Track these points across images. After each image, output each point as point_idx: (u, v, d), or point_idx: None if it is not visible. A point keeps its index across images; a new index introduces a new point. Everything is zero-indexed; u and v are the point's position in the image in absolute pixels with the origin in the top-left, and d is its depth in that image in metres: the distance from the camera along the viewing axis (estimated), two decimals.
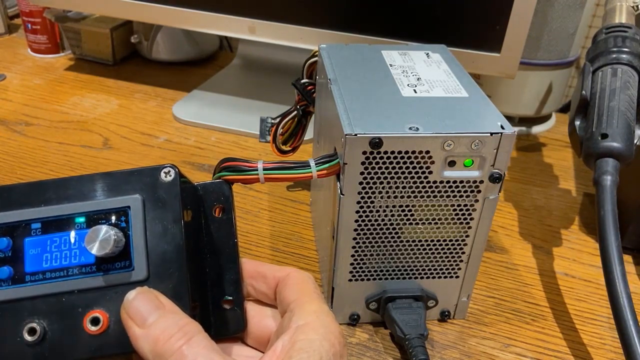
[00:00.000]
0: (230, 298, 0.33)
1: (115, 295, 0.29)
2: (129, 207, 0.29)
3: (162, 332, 0.26)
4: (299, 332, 0.27)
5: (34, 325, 0.28)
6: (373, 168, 0.36)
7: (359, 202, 0.37)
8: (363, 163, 0.35)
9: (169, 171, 0.30)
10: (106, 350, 0.28)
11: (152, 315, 0.27)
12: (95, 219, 0.29)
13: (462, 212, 0.38)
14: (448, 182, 0.37)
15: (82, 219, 0.29)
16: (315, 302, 0.30)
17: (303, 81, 0.49)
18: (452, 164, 0.36)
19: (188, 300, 0.29)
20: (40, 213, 0.29)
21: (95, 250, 0.28)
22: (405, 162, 0.36)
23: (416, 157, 0.36)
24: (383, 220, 0.38)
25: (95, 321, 0.28)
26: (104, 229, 0.28)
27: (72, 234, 0.29)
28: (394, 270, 0.40)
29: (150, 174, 0.30)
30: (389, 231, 0.38)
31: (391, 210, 0.38)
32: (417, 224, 0.38)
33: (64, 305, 0.28)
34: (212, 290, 0.33)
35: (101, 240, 0.28)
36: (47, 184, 0.30)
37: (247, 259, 0.34)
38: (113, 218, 0.29)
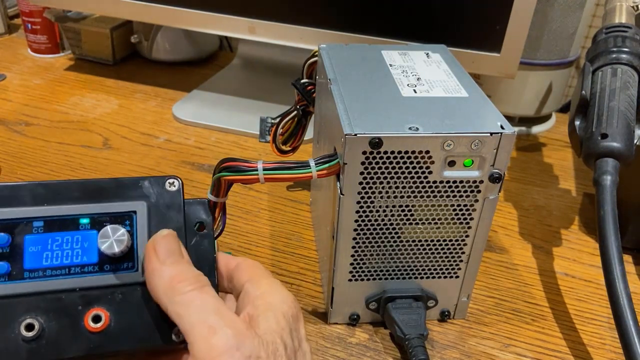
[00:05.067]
0: None
1: (118, 295, 0.30)
2: (135, 212, 0.31)
3: (178, 273, 0.28)
4: (258, 299, 0.29)
5: (32, 321, 0.28)
6: (373, 168, 0.36)
7: (359, 202, 0.37)
8: (363, 163, 0.35)
9: (174, 182, 0.32)
10: (105, 347, 0.29)
11: (174, 256, 0.29)
12: (100, 221, 0.30)
13: (462, 212, 0.38)
14: (448, 182, 0.37)
15: (86, 220, 0.30)
16: (266, 278, 0.31)
17: (303, 81, 0.49)
18: (452, 164, 0.36)
19: None
20: (44, 212, 0.30)
21: (105, 246, 0.29)
22: (405, 162, 0.36)
23: (416, 157, 0.36)
24: (383, 220, 0.38)
25: (96, 319, 0.29)
26: (121, 229, 0.29)
27: (76, 234, 0.30)
28: (393, 270, 0.40)
29: (156, 183, 0.32)
30: (389, 231, 0.38)
31: (391, 210, 0.38)
32: (417, 224, 0.38)
33: (63, 303, 0.29)
34: None
35: (115, 239, 0.29)
36: (54, 184, 0.31)
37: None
38: (119, 221, 0.30)
